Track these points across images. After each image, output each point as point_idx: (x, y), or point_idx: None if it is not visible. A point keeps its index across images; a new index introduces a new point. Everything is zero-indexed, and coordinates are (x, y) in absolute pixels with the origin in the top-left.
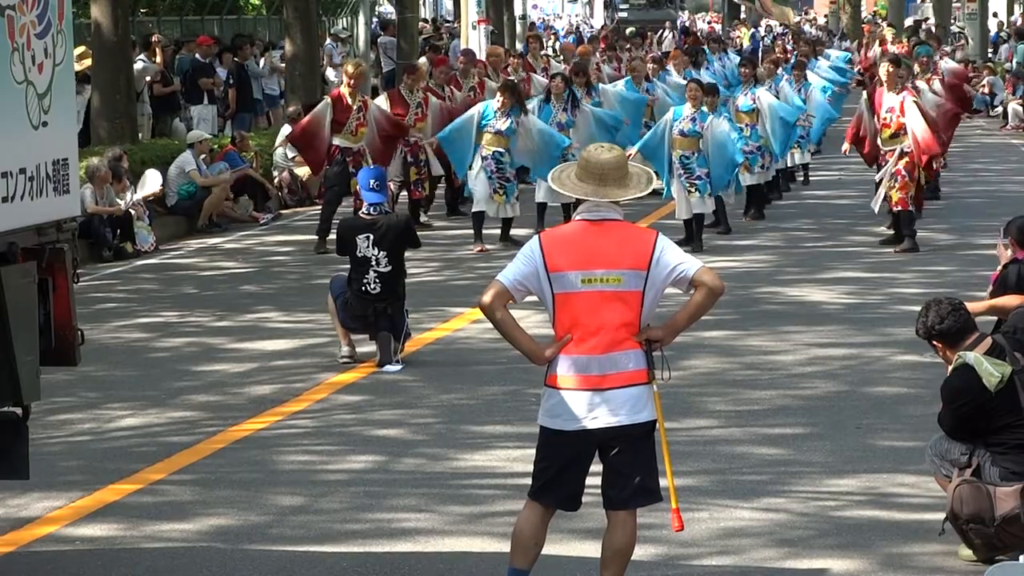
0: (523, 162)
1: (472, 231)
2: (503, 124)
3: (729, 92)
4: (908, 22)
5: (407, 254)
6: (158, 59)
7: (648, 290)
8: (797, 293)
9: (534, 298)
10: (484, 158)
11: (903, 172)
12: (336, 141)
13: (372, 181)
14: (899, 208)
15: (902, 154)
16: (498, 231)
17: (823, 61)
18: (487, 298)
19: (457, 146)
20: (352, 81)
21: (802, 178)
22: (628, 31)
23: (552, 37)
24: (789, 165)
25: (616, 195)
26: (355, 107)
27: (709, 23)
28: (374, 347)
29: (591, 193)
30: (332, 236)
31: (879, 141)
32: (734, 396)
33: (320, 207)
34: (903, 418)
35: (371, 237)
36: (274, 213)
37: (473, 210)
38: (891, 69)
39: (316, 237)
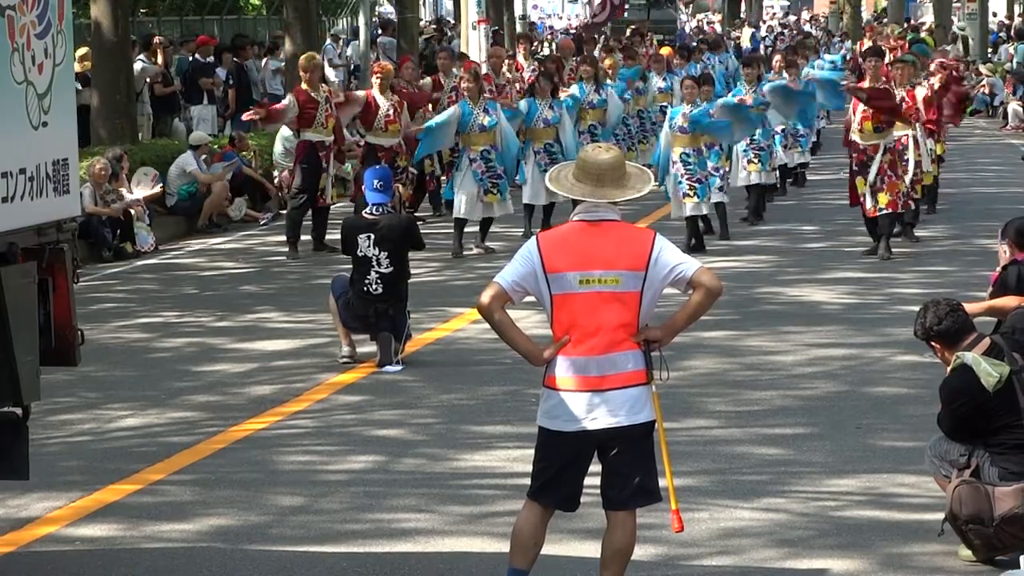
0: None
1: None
2: (550, 114)
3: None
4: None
5: (409, 254)
6: (159, 60)
7: (646, 290)
8: (797, 293)
9: (532, 298)
10: (472, 160)
11: (888, 171)
12: (306, 136)
13: (376, 181)
14: (889, 210)
15: (885, 151)
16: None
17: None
18: (485, 299)
19: (435, 141)
20: (306, 74)
21: (791, 179)
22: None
23: (551, 37)
24: (789, 165)
25: (613, 196)
26: (321, 100)
27: (710, 24)
28: (374, 347)
29: (588, 194)
30: (306, 237)
31: (858, 136)
32: (734, 396)
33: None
34: (903, 418)
35: (372, 237)
36: (274, 213)
37: (455, 216)
38: (873, 62)
39: (312, 241)
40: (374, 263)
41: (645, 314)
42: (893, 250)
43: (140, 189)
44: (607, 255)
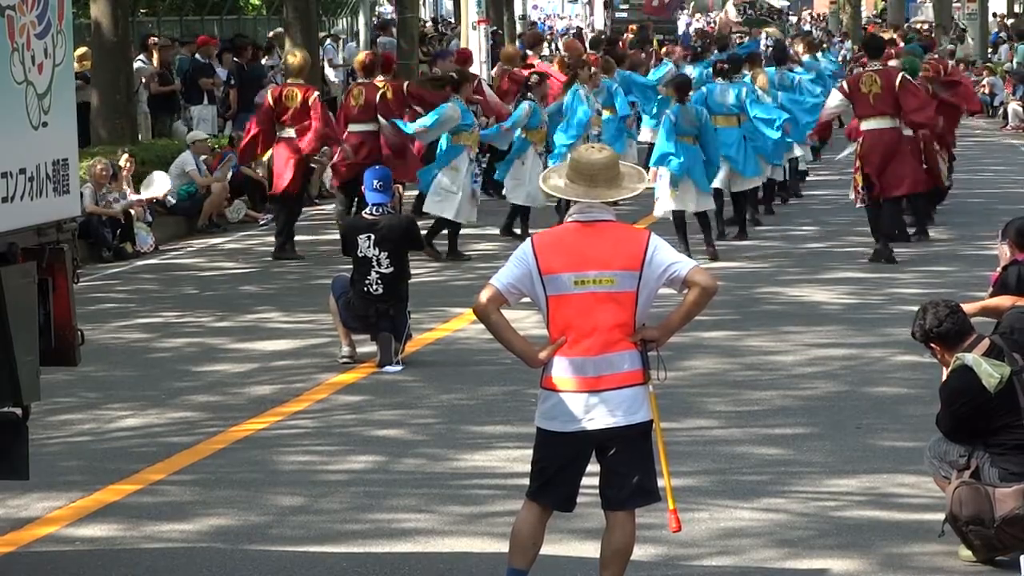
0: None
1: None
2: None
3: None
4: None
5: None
6: (155, 60)
7: (641, 290)
8: (797, 293)
9: (530, 299)
10: (471, 160)
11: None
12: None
13: (376, 181)
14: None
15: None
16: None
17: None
18: (481, 301)
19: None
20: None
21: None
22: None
23: (551, 37)
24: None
25: (607, 195)
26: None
27: (709, 24)
28: (374, 347)
29: (582, 194)
30: (303, 237)
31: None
32: (734, 396)
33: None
34: (903, 418)
35: (372, 237)
36: (274, 214)
37: (454, 219)
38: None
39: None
40: (374, 263)
41: (641, 314)
42: (894, 250)
43: (148, 192)
44: (602, 255)
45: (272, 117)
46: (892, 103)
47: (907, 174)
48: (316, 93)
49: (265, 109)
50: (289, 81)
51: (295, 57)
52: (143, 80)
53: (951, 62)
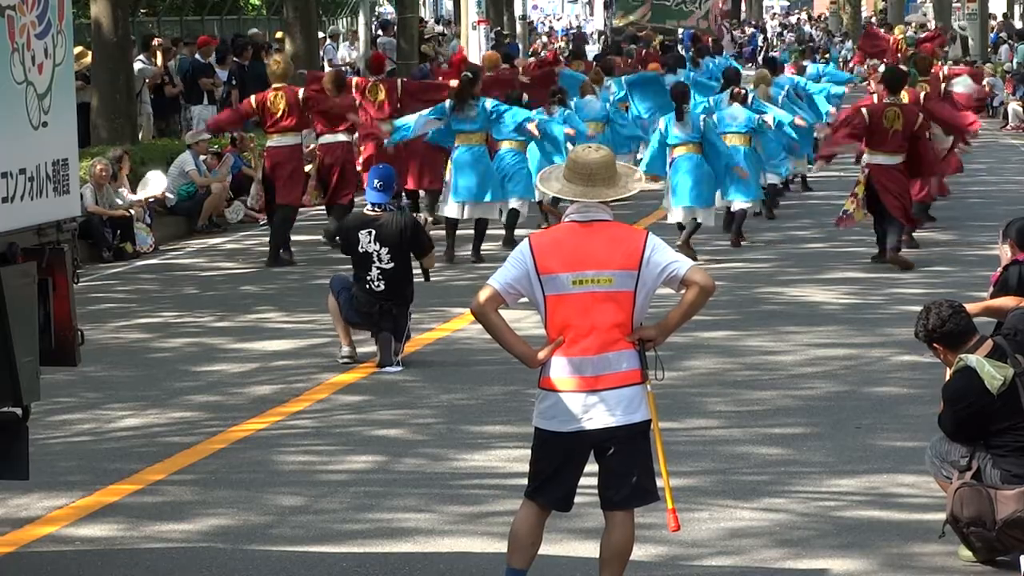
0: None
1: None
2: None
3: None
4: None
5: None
6: (158, 61)
7: (639, 290)
8: (797, 293)
9: (528, 300)
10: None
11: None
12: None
13: (376, 181)
14: None
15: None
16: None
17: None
18: (479, 302)
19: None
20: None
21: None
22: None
23: (553, 40)
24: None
25: (605, 195)
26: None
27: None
28: (374, 347)
29: (580, 194)
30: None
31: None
32: (734, 396)
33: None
34: (903, 418)
35: (372, 232)
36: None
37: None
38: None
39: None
40: (375, 259)
41: (639, 313)
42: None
43: (144, 192)
44: (600, 255)
45: (243, 117)
46: (906, 142)
47: (902, 208)
48: (301, 91)
49: (245, 110)
50: (276, 86)
51: (277, 64)
52: (147, 81)
53: (949, 62)
